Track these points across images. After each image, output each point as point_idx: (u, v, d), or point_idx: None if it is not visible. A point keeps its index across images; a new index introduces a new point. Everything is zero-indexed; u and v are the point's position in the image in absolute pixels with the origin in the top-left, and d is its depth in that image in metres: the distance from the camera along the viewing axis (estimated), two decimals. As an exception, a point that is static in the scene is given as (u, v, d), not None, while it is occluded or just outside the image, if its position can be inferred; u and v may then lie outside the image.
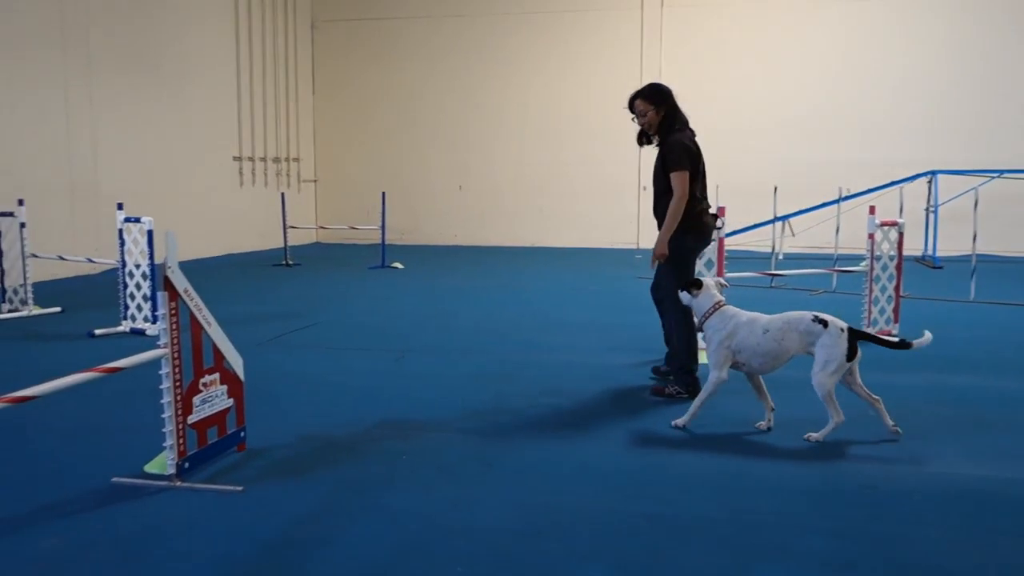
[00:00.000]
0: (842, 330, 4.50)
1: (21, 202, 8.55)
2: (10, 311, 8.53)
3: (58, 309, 8.79)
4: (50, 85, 11.44)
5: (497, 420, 5.07)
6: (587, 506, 3.73)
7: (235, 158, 15.80)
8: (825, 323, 4.53)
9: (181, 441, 3.94)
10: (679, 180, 5.36)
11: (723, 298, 4.95)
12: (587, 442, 4.65)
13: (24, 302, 8.55)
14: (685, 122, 5.58)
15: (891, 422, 4.64)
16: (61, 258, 9.10)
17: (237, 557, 3.23)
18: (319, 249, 16.87)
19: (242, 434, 4.44)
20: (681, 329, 5.55)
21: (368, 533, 3.44)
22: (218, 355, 4.27)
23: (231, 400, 4.36)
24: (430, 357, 6.83)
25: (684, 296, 5.05)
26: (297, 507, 3.70)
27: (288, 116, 17.46)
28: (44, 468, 4.22)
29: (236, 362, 4.40)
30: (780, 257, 12.11)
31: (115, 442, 4.59)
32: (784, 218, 12.78)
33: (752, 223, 13.81)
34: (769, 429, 4.77)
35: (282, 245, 14.08)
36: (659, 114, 5.55)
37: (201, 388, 4.12)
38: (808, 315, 4.60)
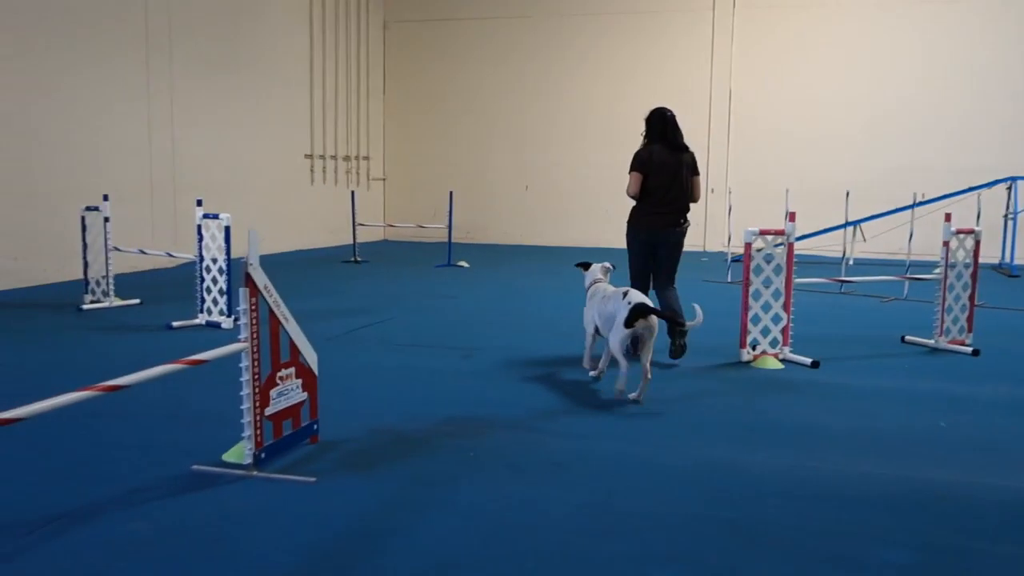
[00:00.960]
0: (628, 303, 5.46)
1: (106, 197, 8.86)
2: (92, 302, 8.85)
3: (137, 301, 9.09)
4: (134, 87, 11.83)
5: (567, 420, 5.11)
6: (660, 509, 3.74)
7: (307, 156, 16.12)
8: (624, 294, 5.60)
9: (258, 432, 4.08)
10: (630, 180, 6.77)
11: (603, 278, 6.31)
12: (658, 445, 4.66)
13: (106, 294, 8.86)
14: (658, 138, 6.77)
15: (637, 395, 5.40)
16: (142, 252, 9.40)
17: (312, 545, 3.33)
18: (386, 247, 17.11)
19: (315, 426, 4.57)
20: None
21: (439, 527, 3.52)
22: (294, 349, 4.40)
23: (305, 393, 4.49)
24: (497, 355, 6.90)
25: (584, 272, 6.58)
26: (369, 499, 3.80)
27: (359, 115, 17.75)
28: (129, 454, 4.39)
29: (311, 357, 4.53)
30: (850, 263, 11.90)
31: (193, 431, 4.75)
32: (856, 223, 12.55)
33: (823, 228, 13.61)
34: (638, 401, 5.42)
35: (351, 242, 14.33)
36: (644, 133, 6.88)
37: (278, 381, 4.25)
38: (621, 290, 5.71)
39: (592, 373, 6.12)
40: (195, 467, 4.14)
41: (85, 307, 8.74)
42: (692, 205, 6.86)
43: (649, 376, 5.45)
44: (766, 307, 6.76)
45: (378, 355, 6.89)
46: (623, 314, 5.45)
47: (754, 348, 6.75)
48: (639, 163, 6.73)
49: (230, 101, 13.84)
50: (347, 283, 11.44)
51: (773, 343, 6.75)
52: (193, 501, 3.77)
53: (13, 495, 3.78)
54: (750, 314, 6.72)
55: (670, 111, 6.81)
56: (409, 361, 6.67)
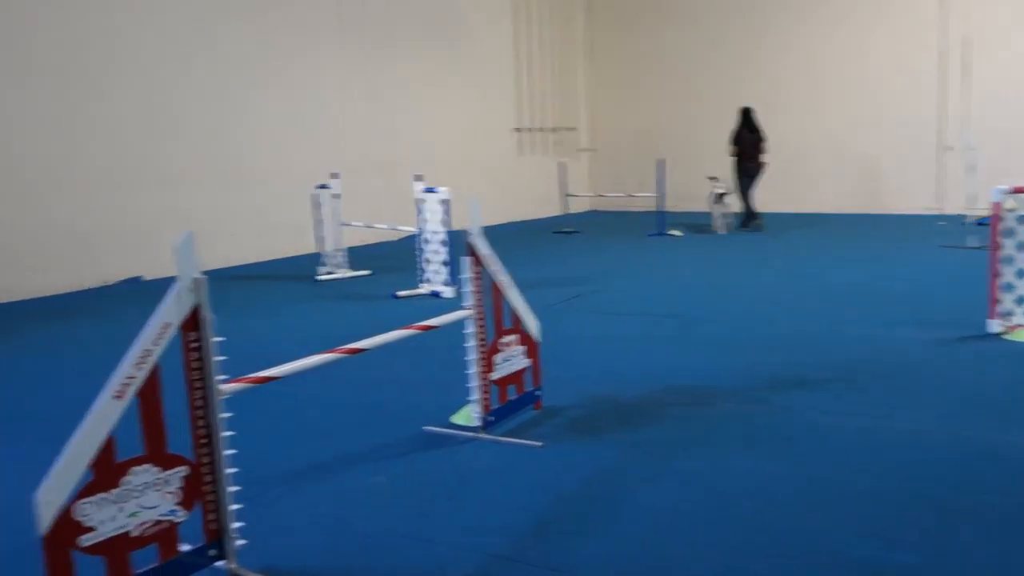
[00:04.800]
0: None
1: (335, 175, 9.43)
2: (327, 274, 9.48)
3: (367, 272, 9.65)
4: (358, 71, 12.49)
5: (790, 392, 4.93)
6: (892, 487, 3.55)
7: (515, 129, 16.40)
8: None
9: (485, 396, 4.22)
10: None
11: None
12: (896, 419, 4.41)
13: (339, 265, 9.46)
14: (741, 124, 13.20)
15: None
16: (369, 226, 9.96)
17: (539, 507, 3.41)
18: (595, 217, 17.14)
19: (538, 393, 4.66)
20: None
21: (664, 495, 3.51)
22: (516, 317, 4.50)
23: (528, 360, 4.58)
24: (715, 325, 6.77)
25: None
26: (593, 465, 3.84)
27: (565, 87, 17.83)
28: (365, 414, 4.68)
29: (532, 324, 4.62)
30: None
31: (421, 394, 4.99)
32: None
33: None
34: None
35: (559, 213, 14.46)
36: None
37: (501, 348, 4.37)
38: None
39: None
40: (426, 428, 4.35)
41: (320, 278, 9.37)
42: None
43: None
44: (1021, 273, 6.16)
45: (595, 323, 6.94)
46: None
47: (1008, 318, 6.18)
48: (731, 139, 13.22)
49: (442, 80, 14.31)
50: (559, 253, 11.58)
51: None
52: (426, 459, 3.96)
53: (268, 448, 4.12)
54: (1000, 282, 6.17)
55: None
56: (627, 330, 6.67)
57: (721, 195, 13.61)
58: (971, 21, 15.02)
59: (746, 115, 13.77)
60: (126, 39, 9.44)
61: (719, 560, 2.96)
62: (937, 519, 3.22)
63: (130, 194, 9.52)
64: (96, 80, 9.15)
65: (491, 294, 4.30)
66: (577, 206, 17.19)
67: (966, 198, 13.23)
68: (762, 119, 14.31)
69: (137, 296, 8.59)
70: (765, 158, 13.72)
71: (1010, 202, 6.10)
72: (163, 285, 2.73)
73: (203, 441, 2.75)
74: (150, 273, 9.52)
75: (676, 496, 3.49)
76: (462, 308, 4.16)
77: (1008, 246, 6.12)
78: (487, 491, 3.59)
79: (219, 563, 2.84)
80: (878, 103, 15.82)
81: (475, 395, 4.20)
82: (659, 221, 13.52)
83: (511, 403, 4.45)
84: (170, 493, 2.64)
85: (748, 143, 13.68)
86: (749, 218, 13.78)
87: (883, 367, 5.35)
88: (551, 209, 15.99)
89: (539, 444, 4.07)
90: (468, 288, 4.15)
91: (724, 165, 14.24)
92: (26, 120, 8.56)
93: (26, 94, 8.55)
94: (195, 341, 2.70)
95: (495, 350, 4.32)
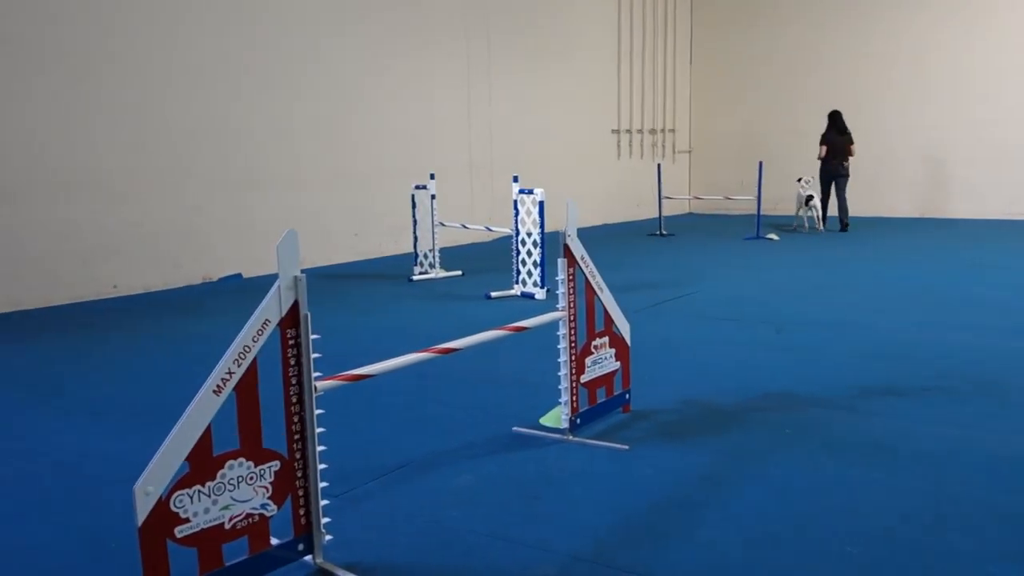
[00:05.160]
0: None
1: (432, 176, 9.56)
2: (421, 273, 9.63)
3: (459, 272, 9.76)
4: (455, 72, 12.65)
5: (886, 400, 4.79)
6: (997, 502, 3.41)
7: (613, 131, 16.33)
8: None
9: (574, 398, 4.22)
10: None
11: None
12: (990, 432, 4.24)
13: (432, 265, 9.60)
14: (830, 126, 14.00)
15: None
16: (463, 227, 10.07)
17: (627, 510, 3.40)
18: (692, 219, 16.93)
19: (627, 396, 4.64)
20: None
21: (753, 503, 3.45)
22: (608, 319, 4.49)
23: (618, 363, 4.57)
24: (810, 331, 6.61)
25: None
26: (681, 470, 3.80)
27: (665, 88, 17.66)
28: (456, 413, 4.73)
29: (624, 327, 4.60)
30: None
31: (512, 395, 5.02)
32: None
33: None
34: None
35: (656, 215, 14.34)
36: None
37: (593, 350, 4.37)
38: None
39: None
40: (515, 429, 4.38)
41: (415, 278, 9.53)
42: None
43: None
44: None
45: (687, 327, 6.86)
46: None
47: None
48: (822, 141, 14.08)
49: (541, 81, 14.35)
50: (653, 256, 11.48)
51: None
52: (514, 460, 3.99)
53: (360, 445, 4.22)
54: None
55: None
56: (718, 334, 6.57)
57: (809, 197, 13.69)
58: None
59: (834, 118, 14.04)
60: (246, 45, 9.78)
61: (806, 571, 2.89)
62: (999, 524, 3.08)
63: (234, 194, 9.86)
64: (210, 86, 9.51)
65: (584, 296, 4.31)
66: (674, 208, 17.02)
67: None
68: (860, 122, 14.21)
69: (237, 294, 8.89)
70: (852, 160, 14.04)
71: None
72: (263, 282, 2.82)
73: (296, 437, 2.83)
74: (249, 271, 9.84)
75: (767, 504, 3.43)
76: (555, 309, 4.17)
77: None
78: (572, 493, 3.60)
79: (306, 558, 2.91)
80: (971, 105, 15.18)
81: (564, 397, 4.21)
82: (756, 224, 13.25)
83: (600, 405, 4.44)
84: (262, 487, 2.72)
85: (836, 146, 13.91)
86: (842, 220, 13.98)
87: (983, 377, 5.13)
88: (648, 212, 15.87)
89: (626, 447, 4.05)
90: (561, 289, 4.16)
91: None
92: (145, 121, 8.96)
93: (140, 98, 8.95)
94: (293, 338, 2.78)
95: (587, 352, 4.32)
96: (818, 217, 13.78)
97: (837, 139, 13.92)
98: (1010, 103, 14.98)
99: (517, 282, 8.40)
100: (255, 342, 2.65)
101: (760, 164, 13.54)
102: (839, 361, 5.69)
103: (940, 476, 3.69)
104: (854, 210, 14.38)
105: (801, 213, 13.97)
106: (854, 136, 14.09)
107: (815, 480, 3.67)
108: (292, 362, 2.80)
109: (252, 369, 2.64)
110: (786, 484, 3.63)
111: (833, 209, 14.21)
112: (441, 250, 9.77)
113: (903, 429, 4.30)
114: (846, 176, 14.00)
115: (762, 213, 13.58)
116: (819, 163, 14.21)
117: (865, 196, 16.02)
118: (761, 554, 3.02)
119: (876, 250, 11.58)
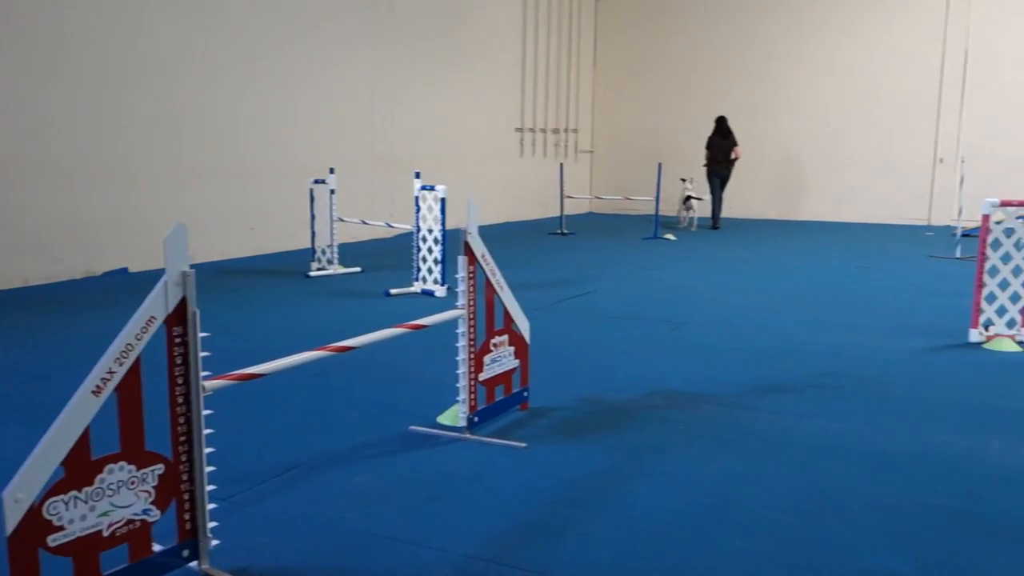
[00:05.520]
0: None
1: (332, 171, 9.40)
2: (318, 270, 9.45)
3: (359, 269, 9.62)
4: (357, 67, 12.45)
5: (775, 398, 4.94)
6: (878, 493, 3.55)
7: (517, 129, 16.40)
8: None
9: (472, 396, 4.20)
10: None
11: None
12: (876, 426, 4.42)
13: (331, 261, 9.44)
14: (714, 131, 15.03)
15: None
16: (363, 222, 9.93)
17: (525, 509, 3.40)
18: (593, 219, 17.14)
19: (525, 394, 4.65)
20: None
21: (649, 498, 3.50)
22: (508, 317, 4.49)
23: (517, 361, 4.58)
24: (704, 330, 6.77)
25: None
26: (578, 467, 3.83)
27: (569, 88, 17.83)
28: (351, 412, 4.66)
29: (523, 325, 4.61)
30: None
31: (409, 393, 4.97)
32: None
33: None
34: None
35: (558, 214, 14.46)
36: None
37: (492, 348, 4.36)
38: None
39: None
40: (412, 427, 4.33)
41: (312, 274, 9.35)
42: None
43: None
44: (1003, 284, 6.23)
45: (585, 326, 6.93)
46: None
47: (987, 329, 6.24)
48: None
49: (446, 77, 14.29)
50: (554, 254, 11.57)
51: (1010, 324, 6.21)
52: (411, 459, 3.94)
53: (251, 445, 4.10)
54: (984, 292, 6.20)
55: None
56: (615, 333, 6.66)
57: (687, 197, 14.78)
58: (971, 36, 15.07)
59: (719, 123, 15.25)
60: (130, 36, 9.40)
61: (699, 565, 2.95)
62: (935, 527, 3.22)
63: (124, 187, 9.48)
64: (96, 76, 9.10)
65: (484, 294, 4.29)
66: (576, 208, 17.19)
67: (959, 210, 13.27)
68: (760, 126, 14.86)
69: (123, 289, 8.54)
70: (735, 163, 15.15)
71: (998, 214, 6.13)
72: (150, 277, 2.70)
73: (183, 439, 2.72)
74: (137, 266, 9.48)
75: (662, 499, 3.48)
76: (455, 307, 4.14)
77: (992, 258, 6.16)
78: (470, 492, 3.58)
79: (192, 564, 2.81)
80: (874, 113, 15.86)
81: (462, 395, 4.18)
82: (655, 224, 13.50)
83: (498, 403, 4.43)
84: (144, 492, 2.60)
85: (719, 149, 15.07)
86: (715, 219, 15.16)
87: (867, 374, 5.35)
88: (551, 210, 16.00)
89: (523, 445, 4.06)
90: (461, 287, 4.14)
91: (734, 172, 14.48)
92: (27, 111, 8.52)
93: (26, 88, 8.51)
94: (180, 336, 2.68)
95: (486, 350, 4.31)
96: (694, 217, 14.82)
97: (719, 143, 15.12)
98: (858, 117, 15.98)
99: (417, 279, 8.33)
100: (139, 340, 2.53)
101: (660, 166, 13.81)
102: (732, 359, 5.84)
103: (825, 470, 3.82)
104: (745, 212, 14.99)
105: (680, 212, 14.96)
106: (738, 139, 15.10)
107: (707, 475, 3.75)
108: (179, 361, 2.69)
109: (135, 369, 2.53)
110: (679, 480, 3.70)
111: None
112: (340, 246, 9.62)
113: (791, 425, 4.44)
114: (726, 178, 15.17)
115: (663, 213, 13.85)
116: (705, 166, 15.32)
117: (731, 198, 16.59)
118: (656, 549, 3.06)
119: (772, 253, 11.96)
